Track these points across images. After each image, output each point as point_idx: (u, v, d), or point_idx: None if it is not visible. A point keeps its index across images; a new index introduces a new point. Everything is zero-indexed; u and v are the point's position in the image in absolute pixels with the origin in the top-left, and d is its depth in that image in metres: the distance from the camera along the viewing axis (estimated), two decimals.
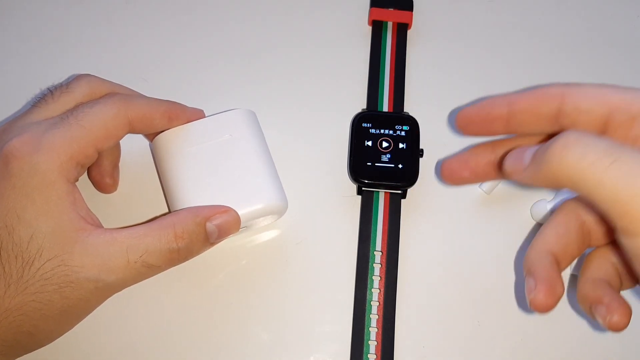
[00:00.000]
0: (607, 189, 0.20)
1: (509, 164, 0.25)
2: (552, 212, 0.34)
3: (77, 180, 0.29)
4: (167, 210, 0.34)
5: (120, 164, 0.35)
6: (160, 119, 0.31)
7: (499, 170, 0.27)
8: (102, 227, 0.28)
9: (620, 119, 0.23)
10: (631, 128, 0.23)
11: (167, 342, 0.32)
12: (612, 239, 0.26)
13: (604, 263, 0.26)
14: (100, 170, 0.33)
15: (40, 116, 0.29)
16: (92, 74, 0.31)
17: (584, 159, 0.20)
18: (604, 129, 0.24)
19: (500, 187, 0.36)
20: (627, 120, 0.23)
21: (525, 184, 0.25)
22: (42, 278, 0.26)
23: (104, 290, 0.27)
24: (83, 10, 0.42)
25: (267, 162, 0.32)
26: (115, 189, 0.35)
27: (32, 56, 0.40)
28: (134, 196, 0.35)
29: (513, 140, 0.28)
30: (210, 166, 0.31)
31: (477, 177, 0.29)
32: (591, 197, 0.21)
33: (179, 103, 0.33)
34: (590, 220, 0.26)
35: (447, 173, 0.30)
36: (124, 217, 0.33)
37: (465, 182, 0.30)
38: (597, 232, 0.26)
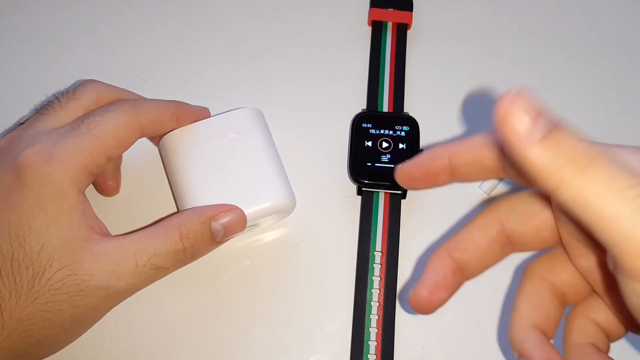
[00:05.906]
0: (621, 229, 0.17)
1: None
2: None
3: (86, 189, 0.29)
4: (169, 212, 0.34)
5: (122, 167, 0.35)
6: (169, 121, 0.31)
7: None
8: (110, 234, 0.28)
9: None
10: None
11: (168, 342, 0.32)
12: (588, 296, 0.24)
13: (585, 324, 0.24)
14: (103, 173, 0.33)
15: (49, 124, 0.29)
16: (91, 75, 0.32)
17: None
18: None
19: (500, 187, 0.36)
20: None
21: None
22: (52, 288, 0.26)
23: (114, 297, 0.27)
24: (81, 11, 0.42)
25: (275, 160, 0.32)
26: (118, 192, 0.35)
27: (30, 58, 0.40)
28: (136, 198, 0.35)
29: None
30: (217, 165, 0.31)
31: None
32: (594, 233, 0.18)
33: (184, 102, 0.33)
34: (560, 281, 0.24)
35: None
36: (126, 220, 0.34)
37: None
38: (571, 293, 0.24)
